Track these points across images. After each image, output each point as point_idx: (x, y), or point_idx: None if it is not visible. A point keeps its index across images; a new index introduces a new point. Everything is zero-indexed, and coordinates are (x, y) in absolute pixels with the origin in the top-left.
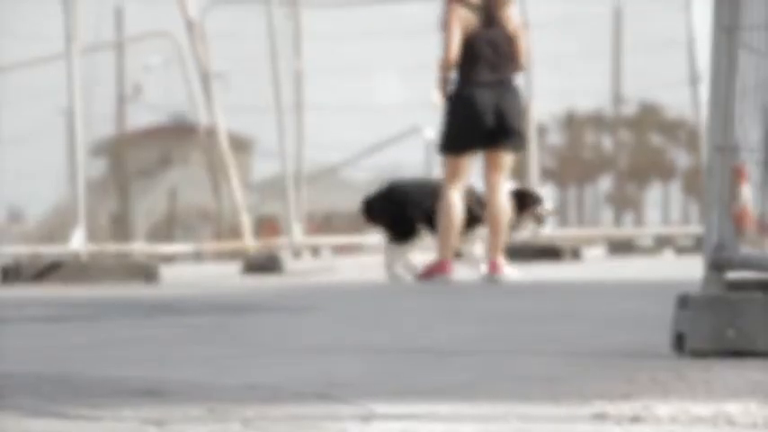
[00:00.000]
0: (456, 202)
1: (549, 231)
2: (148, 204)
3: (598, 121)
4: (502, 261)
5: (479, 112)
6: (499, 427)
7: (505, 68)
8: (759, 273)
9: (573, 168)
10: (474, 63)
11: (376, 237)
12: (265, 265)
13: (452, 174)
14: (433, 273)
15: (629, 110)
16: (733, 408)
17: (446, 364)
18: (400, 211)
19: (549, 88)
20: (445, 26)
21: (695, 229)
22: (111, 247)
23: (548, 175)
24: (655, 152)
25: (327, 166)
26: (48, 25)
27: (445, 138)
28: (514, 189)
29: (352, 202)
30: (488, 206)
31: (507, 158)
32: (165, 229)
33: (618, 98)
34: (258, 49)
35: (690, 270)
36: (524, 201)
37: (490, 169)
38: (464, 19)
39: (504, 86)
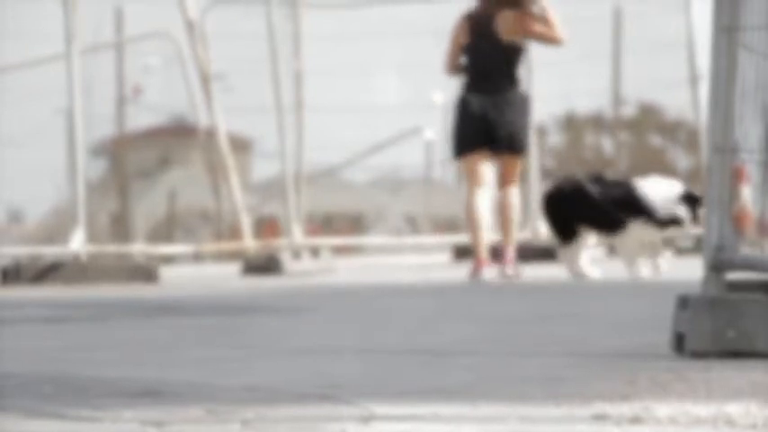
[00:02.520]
0: (474, 205)
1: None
2: (148, 205)
3: (598, 122)
4: (513, 257)
5: (472, 117)
6: (499, 427)
7: (499, 77)
8: (759, 273)
9: (573, 169)
10: (470, 72)
11: (376, 238)
12: (265, 265)
13: (467, 177)
14: (471, 273)
15: (629, 111)
16: (733, 409)
17: (446, 365)
18: (561, 211)
19: (549, 90)
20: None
21: (695, 229)
22: (111, 248)
23: (548, 176)
24: (655, 153)
25: (327, 166)
26: (48, 25)
27: (451, 142)
28: (683, 192)
29: (352, 203)
30: (499, 206)
31: (508, 161)
32: (165, 230)
33: (618, 99)
34: (258, 49)
35: (690, 271)
36: (691, 203)
37: (499, 172)
38: (464, 32)
39: (499, 93)
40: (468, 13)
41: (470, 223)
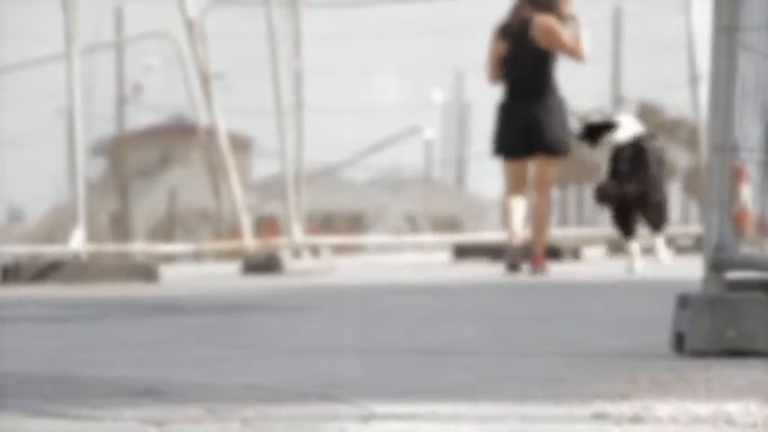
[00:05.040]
0: (510, 207)
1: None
2: (148, 204)
3: None
4: (542, 255)
5: (508, 123)
6: (499, 427)
7: (536, 83)
8: (759, 273)
9: (573, 168)
10: (509, 80)
11: (375, 237)
12: (265, 264)
13: (505, 179)
14: (506, 269)
15: (629, 110)
16: (733, 408)
17: (446, 365)
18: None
19: None
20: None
21: (695, 229)
22: (111, 247)
23: None
24: None
25: (327, 166)
26: (48, 25)
27: (491, 143)
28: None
29: (352, 202)
30: (532, 208)
31: (544, 164)
32: (165, 229)
33: (618, 98)
34: (258, 49)
35: (690, 270)
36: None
37: (535, 174)
38: (501, 43)
39: (537, 99)
40: (503, 24)
41: (506, 224)
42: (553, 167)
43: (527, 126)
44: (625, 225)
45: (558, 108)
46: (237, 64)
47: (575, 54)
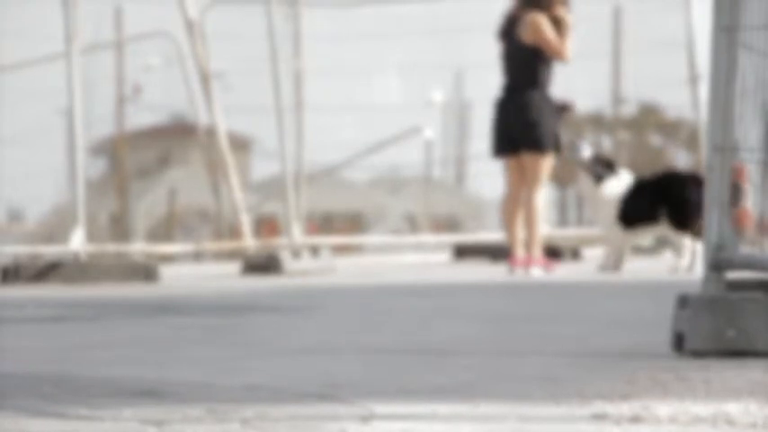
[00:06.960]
0: (504, 206)
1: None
2: (148, 204)
3: (597, 122)
4: (535, 257)
5: (497, 119)
6: (498, 427)
7: (517, 77)
8: (759, 273)
9: (572, 168)
10: (501, 73)
11: (375, 237)
12: (265, 264)
13: (505, 180)
14: (508, 269)
15: (629, 110)
16: (733, 408)
17: (446, 365)
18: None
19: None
20: None
21: None
22: (111, 247)
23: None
24: (654, 152)
25: (327, 166)
26: (47, 25)
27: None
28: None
29: (351, 202)
30: (523, 207)
31: (528, 160)
32: (165, 229)
33: (617, 98)
34: (258, 49)
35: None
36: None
37: (524, 172)
38: (498, 42)
39: (518, 93)
40: (501, 24)
41: (503, 223)
42: (541, 164)
43: (511, 123)
44: (684, 221)
45: (545, 104)
46: (237, 63)
47: (556, 53)
